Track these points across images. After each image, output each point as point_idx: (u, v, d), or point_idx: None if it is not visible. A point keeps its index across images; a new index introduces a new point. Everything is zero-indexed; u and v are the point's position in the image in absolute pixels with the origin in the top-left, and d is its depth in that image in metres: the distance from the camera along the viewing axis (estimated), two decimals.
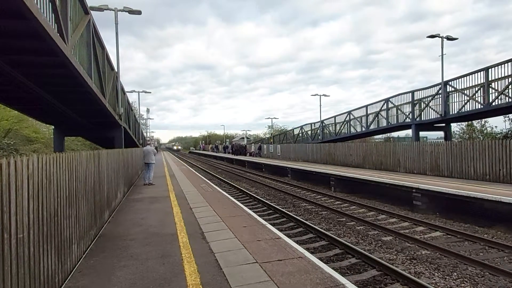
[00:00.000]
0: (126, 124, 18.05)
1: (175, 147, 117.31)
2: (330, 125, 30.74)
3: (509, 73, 14.52)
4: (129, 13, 15.52)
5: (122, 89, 17.16)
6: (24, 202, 2.94)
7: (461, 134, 29.02)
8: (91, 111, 12.63)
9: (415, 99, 20.44)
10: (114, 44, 15.76)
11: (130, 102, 27.15)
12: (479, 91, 16.01)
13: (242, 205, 8.91)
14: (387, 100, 22.79)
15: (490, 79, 15.42)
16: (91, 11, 9.26)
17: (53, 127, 17.28)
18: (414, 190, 10.91)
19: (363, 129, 25.52)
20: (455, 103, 17.62)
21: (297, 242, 6.60)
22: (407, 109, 21.18)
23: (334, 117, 29.95)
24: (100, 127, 15.90)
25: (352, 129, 27.02)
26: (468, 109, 16.78)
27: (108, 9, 14.83)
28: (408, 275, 5.30)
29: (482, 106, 15.88)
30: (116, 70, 15.11)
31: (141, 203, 9.58)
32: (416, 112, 20.34)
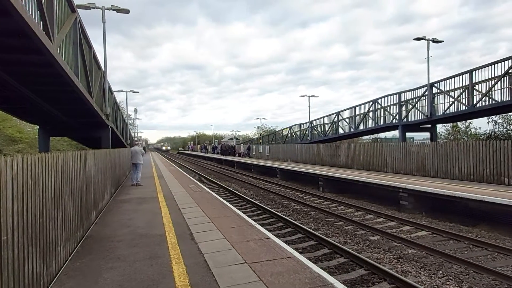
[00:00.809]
0: (113, 124, 17.81)
1: (164, 148, 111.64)
2: (319, 125, 30.96)
3: (493, 76, 14.89)
4: (116, 11, 15.33)
5: (110, 88, 16.92)
6: (8, 203, 2.87)
7: (446, 135, 29.61)
8: (77, 111, 12.42)
9: (402, 100, 20.77)
10: (101, 43, 15.54)
11: (118, 101, 26.81)
12: (463, 93, 16.36)
13: (231, 206, 8.89)
14: (374, 101, 23.09)
15: (474, 81, 15.78)
16: (78, 9, 9.11)
17: (38, 127, 16.91)
18: (400, 190, 11.07)
19: (351, 130, 25.79)
20: (441, 105, 17.98)
21: (286, 242, 6.62)
22: (394, 110, 21.49)
23: (323, 118, 30.18)
24: (86, 127, 15.64)
25: (340, 130, 27.28)
26: (453, 111, 17.13)
27: (95, 7, 14.61)
28: (395, 274, 5.38)
29: (466, 108, 16.23)
30: (104, 69, 14.90)
31: (128, 204, 9.47)
32: (403, 113, 20.67)
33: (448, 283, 5.35)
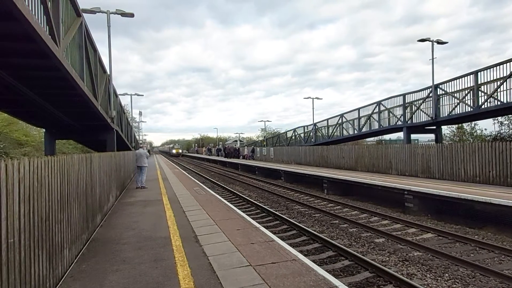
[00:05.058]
0: (118, 127, 17.91)
1: (174, 151, 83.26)
2: (323, 128, 30.89)
3: (498, 77, 14.78)
4: (121, 15, 15.42)
5: (115, 92, 17.04)
6: (15, 206, 2.90)
7: (452, 137, 29.39)
8: (83, 114, 12.51)
9: (406, 102, 20.68)
10: (108, 46, 15.66)
11: (123, 105, 26.98)
12: (469, 94, 16.26)
13: (235, 208, 8.89)
14: (379, 103, 23.00)
15: (479, 82, 15.68)
16: (83, 14, 9.20)
17: (44, 130, 17.05)
18: (406, 192, 11.01)
19: (355, 131, 25.70)
20: (446, 106, 17.88)
21: (290, 244, 6.61)
22: (398, 112, 21.39)
23: (327, 120, 30.11)
24: (92, 130, 15.75)
25: (344, 132, 27.20)
26: (458, 112, 17.03)
27: (100, 11, 14.75)
28: (401, 276, 5.34)
29: (471, 109, 16.12)
30: (109, 73, 15.01)
31: (133, 206, 9.50)
32: (408, 115, 20.57)
33: (454, 286, 5.30)
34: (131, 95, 35.79)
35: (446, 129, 28.43)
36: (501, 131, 23.16)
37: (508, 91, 14.35)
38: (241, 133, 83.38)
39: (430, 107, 18.68)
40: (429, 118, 18.68)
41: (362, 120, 24.81)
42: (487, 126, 46.16)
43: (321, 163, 23.63)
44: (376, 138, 36.88)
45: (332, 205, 12.60)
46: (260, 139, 63.46)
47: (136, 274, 4.31)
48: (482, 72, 15.58)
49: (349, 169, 19.86)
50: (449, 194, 9.63)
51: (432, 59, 18.39)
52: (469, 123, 25.59)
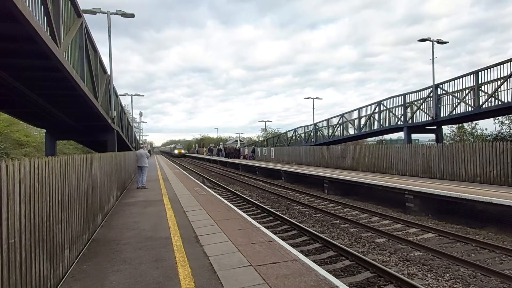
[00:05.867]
0: (119, 128, 17.92)
1: (176, 151, 76.37)
2: (323, 128, 30.87)
3: (499, 76, 14.76)
4: (122, 16, 15.42)
5: (115, 92, 17.04)
6: (16, 206, 2.90)
7: (452, 137, 29.38)
8: (83, 115, 12.53)
9: (407, 101, 20.66)
10: (108, 47, 15.66)
11: (124, 105, 27.00)
12: (469, 94, 16.24)
13: (236, 208, 8.89)
14: (379, 103, 22.99)
15: (480, 82, 15.66)
16: (84, 14, 9.21)
17: (44, 130, 17.06)
18: (406, 192, 11.00)
19: (356, 131, 25.68)
20: (446, 106, 17.86)
21: (291, 244, 6.61)
22: (399, 111, 21.38)
23: (327, 120, 30.09)
24: (92, 130, 15.76)
25: (345, 132, 27.18)
26: (458, 112, 17.01)
27: (100, 12, 14.75)
28: (402, 276, 5.34)
29: (472, 109, 16.10)
30: (109, 73, 15.01)
31: (134, 206, 9.51)
32: (408, 115, 20.55)
33: (455, 286, 5.30)
34: (131, 95, 35.90)
35: (446, 129, 28.46)
36: (502, 131, 23.15)
37: (508, 90, 14.33)
38: (242, 133, 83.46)
39: (430, 107, 18.67)
40: (430, 118, 18.66)
41: (363, 120, 24.79)
42: (488, 126, 46.27)
43: (322, 163, 23.62)
44: (376, 138, 36.87)
45: (332, 205, 12.59)
46: (260, 139, 63.43)
47: (136, 274, 4.32)
48: (482, 71, 15.56)
49: (349, 169, 19.85)
50: (450, 194, 9.62)
51: (433, 59, 18.38)
52: (469, 123, 25.57)
